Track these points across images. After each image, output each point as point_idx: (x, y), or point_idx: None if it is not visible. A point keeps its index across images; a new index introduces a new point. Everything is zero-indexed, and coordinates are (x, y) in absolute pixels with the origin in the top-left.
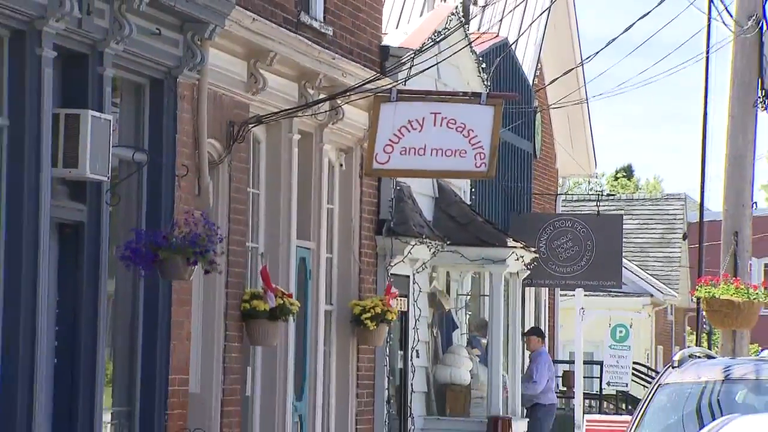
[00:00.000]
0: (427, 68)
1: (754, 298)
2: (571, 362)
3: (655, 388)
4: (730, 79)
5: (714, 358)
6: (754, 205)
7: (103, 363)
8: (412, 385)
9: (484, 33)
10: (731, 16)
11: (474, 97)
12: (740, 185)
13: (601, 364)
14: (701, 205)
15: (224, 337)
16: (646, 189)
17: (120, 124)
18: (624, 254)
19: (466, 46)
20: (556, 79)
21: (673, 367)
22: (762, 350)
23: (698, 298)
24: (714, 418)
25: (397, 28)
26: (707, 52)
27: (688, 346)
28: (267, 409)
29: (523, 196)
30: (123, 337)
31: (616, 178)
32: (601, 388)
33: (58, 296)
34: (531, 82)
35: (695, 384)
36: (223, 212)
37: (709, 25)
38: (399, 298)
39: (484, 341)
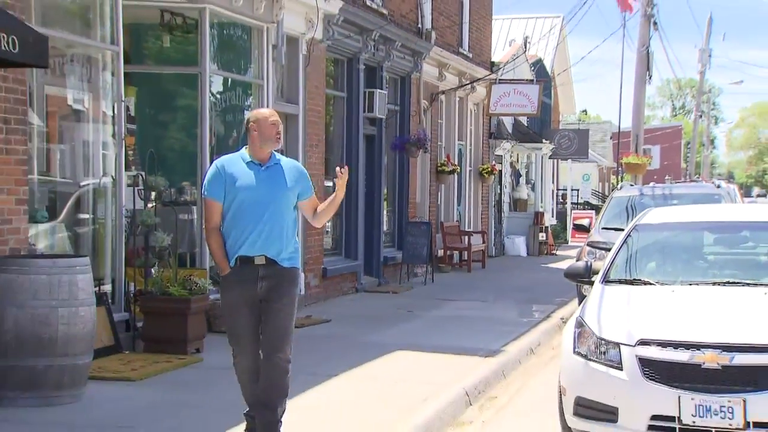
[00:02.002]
0: (510, 71)
1: (645, 162)
2: (565, 190)
3: (609, 199)
4: (635, 72)
5: (633, 185)
6: (644, 124)
7: (382, 191)
8: (502, 199)
9: (532, 55)
10: (638, 45)
11: (530, 82)
12: (638, 116)
13: (578, 190)
14: (619, 125)
15: (429, 180)
16: (594, 119)
17: (389, 95)
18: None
19: (525, 61)
20: (560, 74)
21: (617, 190)
22: (651, 182)
23: (620, 162)
24: (635, 212)
25: (494, 53)
26: (622, 63)
27: (614, 184)
28: (446, 208)
29: (547, 121)
30: (390, 181)
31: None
32: (578, 200)
33: (365, 164)
34: (550, 75)
35: (627, 196)
36: (429, 130)
37: (623, 50)
38: (497, 165)
39: (532, 181)
